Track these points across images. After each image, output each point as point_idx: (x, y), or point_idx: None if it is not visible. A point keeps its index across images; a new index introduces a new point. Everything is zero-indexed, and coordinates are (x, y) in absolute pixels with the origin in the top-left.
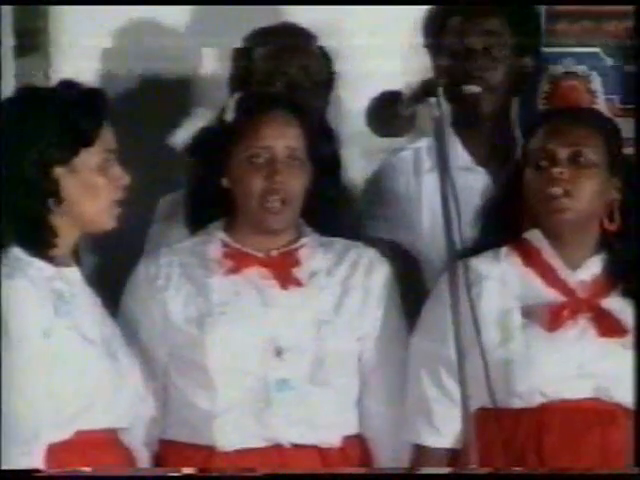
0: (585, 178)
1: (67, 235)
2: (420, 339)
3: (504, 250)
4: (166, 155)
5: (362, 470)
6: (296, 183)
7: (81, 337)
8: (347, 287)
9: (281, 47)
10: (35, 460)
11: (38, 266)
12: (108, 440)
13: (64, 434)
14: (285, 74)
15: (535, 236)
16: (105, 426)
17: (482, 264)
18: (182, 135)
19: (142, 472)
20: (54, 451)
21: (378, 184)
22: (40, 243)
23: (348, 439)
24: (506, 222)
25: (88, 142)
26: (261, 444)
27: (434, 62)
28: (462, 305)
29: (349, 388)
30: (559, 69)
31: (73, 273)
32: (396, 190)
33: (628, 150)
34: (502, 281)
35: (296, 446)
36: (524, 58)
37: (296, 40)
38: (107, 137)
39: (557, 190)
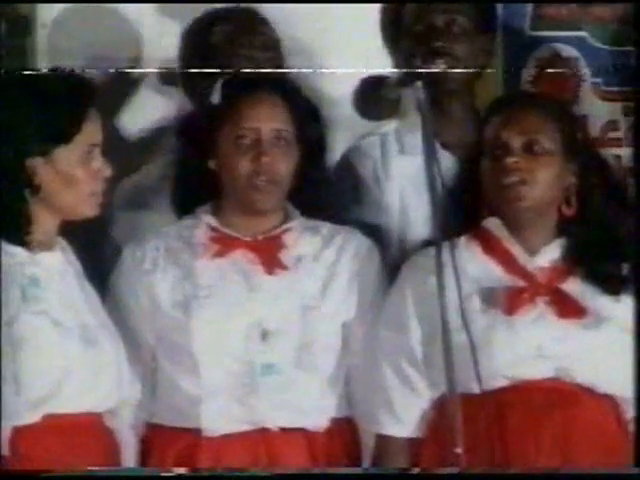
0: (541, 166)
1: (46, 222)
2: (382, 328)
3: (463, 238)
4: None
5: (360, 470)
6: (283, 164)
7: (51, 322)
8: (333, 272)
9: (238, 28)
10: None
11: (11, 252)
12: (87, 424)
13: (30, 418)
14: (242, 55)
15: (493, 224)
16: (82, 410)
17: (441, 253)
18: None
19: (139, 472)
20: (24, 434)
21: (345, 169)
22: (15, 230)
23: (335, 422)
24: (464, 211)
25: (68, 138)
26: (247, 428)
27: (396, 50)
28: (426, 290)
29: (335, 372)
30: (546, 53)
31: (52, 258)
32: (363, 174)
33: (615, 134)
34: (462, 269)
35: (282, 429)
36: (485, 34)
37: (251, 22)
38: (90, 130)
39: (513, 179)
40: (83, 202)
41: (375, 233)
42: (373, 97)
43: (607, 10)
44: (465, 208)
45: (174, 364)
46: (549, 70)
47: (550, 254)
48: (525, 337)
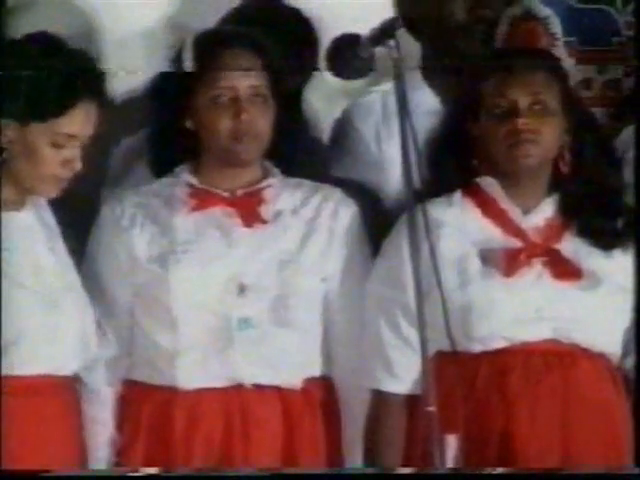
0: (546, 125)
1: (8, 187)
2: (377, 285)
3: (457, 195)
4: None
5: (360, 470)
6: (262, 120)
7: (12, 284)
8: (312, 228)
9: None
10: None
11: None
12: (47, 387)
13: None
14: None
15: (487, 182)
16: (39, 372)
17: (436, 209)
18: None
19: (138, 472)
20: None
21: (347, 126)
22: None
23: (311, 380)
24: (456, 166)
25: (44, 118)
26: (222, 383)
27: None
28: (420, 249)
29: (313, 329)
30: (518, 10)
31: (20, 218)
32: (365, 132)
33: (589, 93)
34: (457, 226)
35: (257, 387)
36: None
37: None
38: (74, 121)
39: (521, 139)
40: (43, 182)
41: (373, 190)
42: (347, 56)
43: None
44: (458, 163)
45: (151, 319)
46: (522, 28)
47: (544, 212)
48: (524, 299)
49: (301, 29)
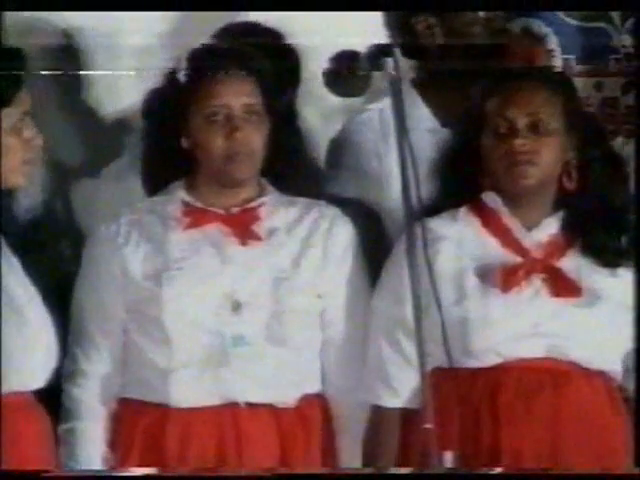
0: (546, 146)
1: None
2: (379, 300)
3: (462, 210)
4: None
5: (363, 470)
6: (256, 138)
7: None
8: (306, 245)
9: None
10: None
11: None
12: (22, 403)
13: None
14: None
15: (491, 198)
16: (12, 389)
17: (440, 224)
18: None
19: (138, 472)
20: None
21: (345, 143)
22: None
23: (306, 398)
24: (463, 182)
25: (3, 104)
26: (216, 401)
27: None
28: (419, 265)
29: (308, 346)
30: (516, 27)
31: None
32: (364, 149)
33: (588, 110)
34: (459, 241)
35: (250, 405)
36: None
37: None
38: (24, 99)
39: (519, 160)
40: (15, 170)
41: (372, 207)
42: (344, 73)
43: None
44: (464, 179)
45: (145, 337)
46: (519, 46)
47: (548, 228)
48: (520, 315)
49: (280, 49)
